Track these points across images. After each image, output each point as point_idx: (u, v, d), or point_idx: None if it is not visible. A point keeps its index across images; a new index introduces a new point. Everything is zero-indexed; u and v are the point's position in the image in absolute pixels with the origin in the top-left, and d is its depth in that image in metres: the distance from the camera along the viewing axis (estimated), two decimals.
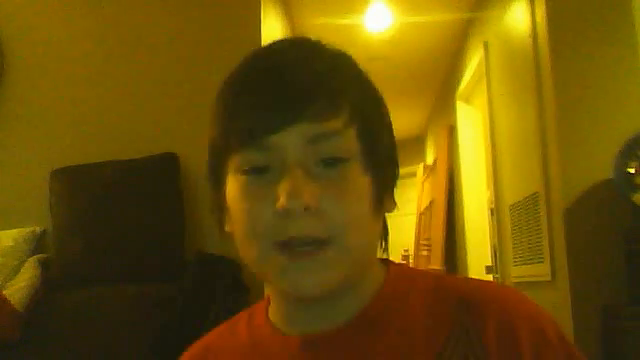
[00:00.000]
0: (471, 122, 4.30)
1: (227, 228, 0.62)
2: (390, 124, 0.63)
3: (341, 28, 3.74)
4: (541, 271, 2.47)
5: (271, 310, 0.65)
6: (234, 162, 0.58)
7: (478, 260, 4.06)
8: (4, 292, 1.90)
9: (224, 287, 1.93)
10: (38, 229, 2.24)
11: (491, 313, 0.57)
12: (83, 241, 2.06)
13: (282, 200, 0.53)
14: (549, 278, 2.38)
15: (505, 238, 3.13)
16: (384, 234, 0.64)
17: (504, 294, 0.61)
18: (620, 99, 2.24)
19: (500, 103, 3.21)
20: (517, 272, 2.90)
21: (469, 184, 4.24)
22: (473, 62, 3.72)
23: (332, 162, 0.56)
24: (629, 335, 1.92)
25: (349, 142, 0.57)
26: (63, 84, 2.48)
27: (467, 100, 4.29)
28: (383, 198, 0.60)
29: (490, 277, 3.66)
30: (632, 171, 2.06)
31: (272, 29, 2.81)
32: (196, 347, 0.69)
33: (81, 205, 2.13)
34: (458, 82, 4.26)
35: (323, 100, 0.55)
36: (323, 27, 3.75)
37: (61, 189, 2.20)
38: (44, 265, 2.09)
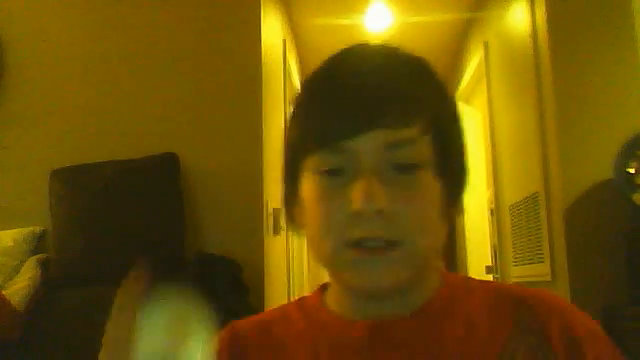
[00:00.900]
0: (471, 122, 4.29)
1: (297, 222, 0.65)
2: (463, 131, 0.65)
3: (341, 28, 3.73)
4: (541, 271, 2.47)
5: (331, 301, 0.66)
6: (311, 162, 0.60)
7: (478, 260, 4.06)
8: (4, 292, 1.89)
9: (224, 287, 1.93)
10: (38, 229, 2.24)
11: (553, 316, 0.60)
12: (83, 241, 2.06)
13: (356, 202, 0.55)
14: (549, 278, 2.38)
15: (505, 238, 3.13)
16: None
17: (560, 299, 0.64)
18: (620, 99, 2.24)
19: (500, 103, 3.21)
20: (517, 272, 2.90)
21: (469, 184, 4.23)
22: (473, 62, 3.72)
23: (405, 168, 0.57)
24: (629, 335, 1.92)
25: (423, 149, 0.58)
26: (63, 84, 2.47)
27: (467, 100, 4.29)
28: (452, 204, 0.63)
29: (490, 277, 3.66)
30: (632, 171, 2.06)
31: (272, 29, 2.81)
32: (243, 329, 0.68)
33: (81, 205, 2.13)
34: (458, 82, 4.26)
35: (400, 108, 0.57)
36: (323, 27, 3.75)
37: (61, 189, 2.20)
38: (44, 265, 2.09)
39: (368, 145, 0.57)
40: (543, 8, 2.38)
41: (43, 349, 1.86)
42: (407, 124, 0.57)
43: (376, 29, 3.82)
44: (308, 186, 0.61)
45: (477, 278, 0.70)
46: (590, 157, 2.21)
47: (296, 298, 0.72)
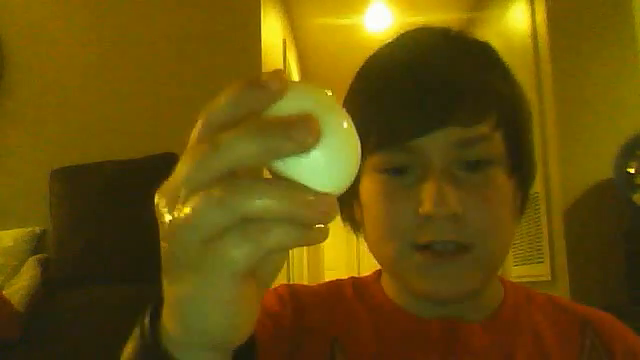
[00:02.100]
0: None
1: (355, 222, 0.62)
2: (532, 123, 0.61)
3: (341, 28, 3.73)
4: (541, 271, 2.47)
5: (391, 292, 0.62)
6: (373, 160, 0.56)
7: None
8: (4, 292, 1.90)
9: None
10: (38, 229, 2.24)
11: (617, 338, 0.58)
12: (83, 241, 2.06)
13: (427, 205, 0.52)
14: (549, 278, 2.38)
15: None
16: None
17: (618, 322, 0.63)
18: (620, 99, 2.24)
19: None
20: (517, 272, 2.90)
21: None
22: None
23: (477, 166, 0.54)
24: None
25: (495, 146, 0.54)
26: (63, 84, 2.47)
27: None
28: (522, 202, 0.60)
29: None
30: (632, 171, 2.06)
31: (272, 29, 2.81)
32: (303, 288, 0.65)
33: (81, 205, 2.13)
34: None
35: (473, 103, 0.53)
36: (323, 27, 3.75)
37: (61, 189, 2.20)
38: (44, 265, 2.09)
39: (439, 143, 0.53)
40: (543, 8, 2.38)
41: (43, 349, 1.86)
42: (479, 120, 0.53)
43: (376, 29, 3.82)
44: (370, 185, 0.57)
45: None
46: (590, 157, 2.21)
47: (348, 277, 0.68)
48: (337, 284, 0.66)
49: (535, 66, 2.47)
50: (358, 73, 0.60)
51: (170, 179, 0.31)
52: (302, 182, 0.29)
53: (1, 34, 2.52)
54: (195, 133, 0.31)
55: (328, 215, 0.28)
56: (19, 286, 1.96)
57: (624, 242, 2.07)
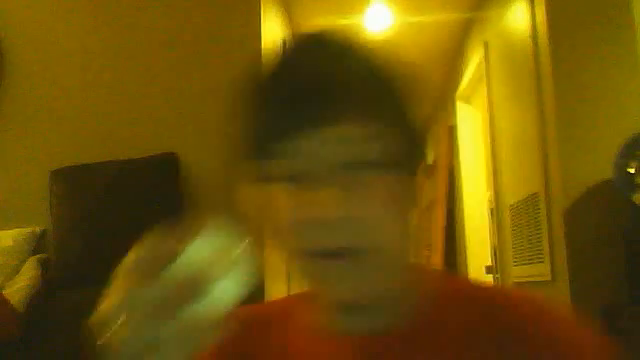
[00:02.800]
0: (471, 122, 4.29)
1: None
2: (416, 119, 0.59)
3: (341, 28, 3.72)
4: (541, 271, 2.47)
5: (318, 308, 0.63)
6: (263, 168, 0.55)
7: (478, 260, 4.06)
8: (4, 292, 1.90)
9: None
10: (38, 229, 2.24)
11: (538, 341, 0.55)
12: (83, 241, 2.06)
13: (313, 211, 0.51)
14: (549, 278, 2.38)
15: (505, 238, 3.13)
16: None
17: (547, 316, 0.58)
18: (620, 99, 2.24)
19: (500, 103, 3.21)
20: (517, 272, 2.90)
21: (469, 184, 4.24)
22: (473, 62, 3.72)
23: (362, 167, 0.53)
24: (629, 335, 1.92)
25: (378, 146, 0.53)
26: (63, 84, 2.48)
27: (467, 100, 4.29)
28: (411, 200, 0.59)
29: (490, 277, 3.66)
30: (632, 171, 2.05)
31: (272, 29, 2.81)
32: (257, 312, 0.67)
33: (81, 205, 2.13)
34: (458, 82, 4.26)
35: (353, 105, 0.53)
36: (323, 27, 3.74)
37: (61, 189, 2.20)
38: (44, 265, 2.09)
39: (322, 145, 0.52)
40: (543, 8, 2.38)
41: (43, 349, 1.86)
42: (360, 121, 0.52)
43: (376, 29, 3.82)
44: (261, 195, 0.56)
45: (473, 282, 0.66)
46: (590, 157, 2.21)
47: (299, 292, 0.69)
48: (285, 303, 0.69)
49: (535, 66, 2.47)
50: (252, 83, 0.60)
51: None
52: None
53: (1, 34, 2.52)
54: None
55: None
56: (19, 286, 1.96)
57: (624, 242, 2.07)
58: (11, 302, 1.87)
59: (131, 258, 0.43)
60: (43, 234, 2.25)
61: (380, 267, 0.54)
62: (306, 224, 0.53)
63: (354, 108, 0.52)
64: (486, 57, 3.37)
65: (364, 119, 0.53)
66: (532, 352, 0.54)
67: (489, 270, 3.87)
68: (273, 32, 2.84)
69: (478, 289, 0.63)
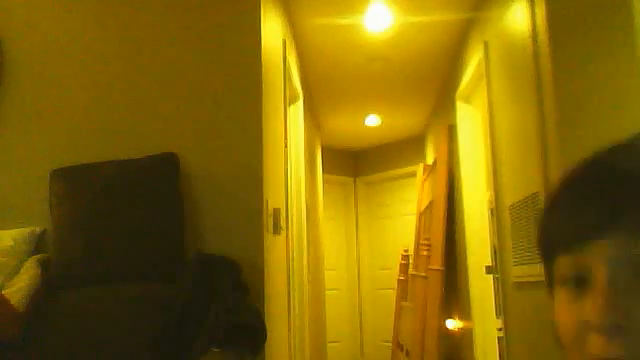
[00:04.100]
0: (471, 122, 4.30)
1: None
2: None
3: (341, 28, 3.74)
4: (541, 271, 2.47)
5: None
6: (555, 267, 0.56)
7: (478, 260, 4.06)
8: (4, 292, 1.90)
9: (224, 287, 1.93)
10: (38, 229, 2.24)
11: None
12: (83, 241, 2.06)
13: (591, 316, 0.50)
14: None
15: (505, 238, 3.13)
16: None
17: None
18: (620, 99, 2.24)
19: (500, 103, 3.21)
20: (517, 272, 2.90)
21: (469, 184, 4.24)
22: (473, 62, 3.72)
23: None
24: None
25: None
26: (63, 84, 2.48)
27: (467, 100, 4.29)
28: None
29: (490, 277, 3.66)
30: None
31: (272, 29, 2.81)
32: None
33: (81, 205, 2.13)
34: (458, 82, 4.26)
35: None
36: (323, 27, 3.75)
37: (61, 189, 2.20)
38: (44, 265, 2.09)
39: (608, 247, 0.50)
40: (543, 8, 2.38)
41: (43, 349, 1.86)
42: None
43: (376, 29, 3.82)
44: (555, 295, 0.56)
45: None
46: None
47: None
48: None
49: (535, 66, 2.47)
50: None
51: None
52: None
53: (1, 34, 2.52)
54: None
55: None
56: (19, 286, 1.96)
57: None
58: (11, 302, 1.87)
59: None
60: (43, 234, 2.25)
61: None
62: (583, 329, 0.51)
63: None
64: (486, 57, 3.37)
65: None
66: None
67: (489, 270, 3.87)
68: (273, 32, 2.85)
69: None
